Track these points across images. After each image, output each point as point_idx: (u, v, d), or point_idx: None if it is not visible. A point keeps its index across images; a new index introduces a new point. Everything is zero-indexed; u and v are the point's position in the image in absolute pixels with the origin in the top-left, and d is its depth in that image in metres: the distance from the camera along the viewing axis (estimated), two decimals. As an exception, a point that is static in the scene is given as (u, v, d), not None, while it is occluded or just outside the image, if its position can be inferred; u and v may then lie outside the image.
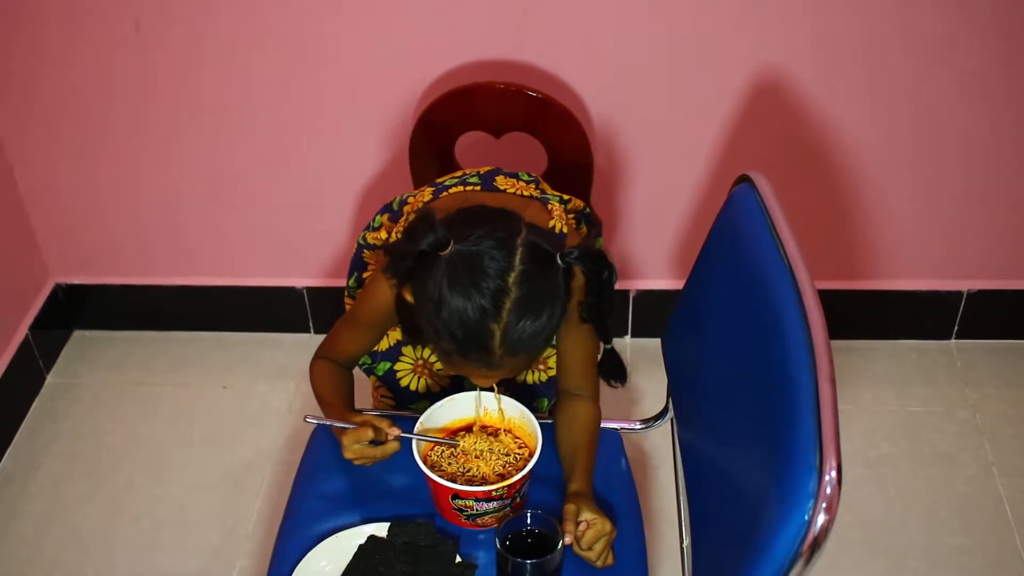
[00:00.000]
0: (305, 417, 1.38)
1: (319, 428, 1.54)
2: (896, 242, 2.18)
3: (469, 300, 1.17)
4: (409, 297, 1.27)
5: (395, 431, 1.34)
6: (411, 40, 1.91)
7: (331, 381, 1.47)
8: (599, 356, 1.50)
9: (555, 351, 1.57)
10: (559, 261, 1.23)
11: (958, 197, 2.10)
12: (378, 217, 1.59)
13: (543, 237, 1.24)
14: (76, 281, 2.37)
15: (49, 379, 2.34)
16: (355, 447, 1.34)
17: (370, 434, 1.33)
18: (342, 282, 1.66)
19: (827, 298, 1.11)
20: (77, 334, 2.45)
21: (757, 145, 2.03)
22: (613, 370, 1.52)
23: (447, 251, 1.20)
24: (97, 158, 2.13)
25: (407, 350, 1.59)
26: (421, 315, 1.24)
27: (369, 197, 2.14)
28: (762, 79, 1.93)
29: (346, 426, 1.35)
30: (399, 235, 1.42)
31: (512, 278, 1.18)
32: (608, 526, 1.29)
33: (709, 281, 1.40)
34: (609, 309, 1.34)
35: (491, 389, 1.40)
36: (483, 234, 1.20)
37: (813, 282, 1.12)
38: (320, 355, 1.51)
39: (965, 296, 2.26)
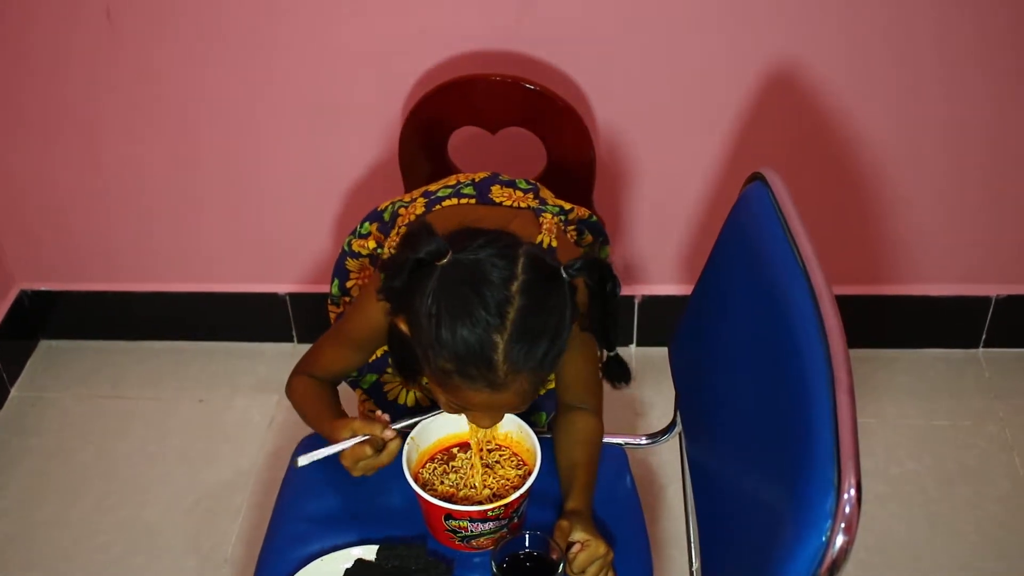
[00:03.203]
0: (296, 460, 1.35)
1: (302, 443, 1.54)
2: (919, 244, 2.18)
3: (471, 311, 1.17)
4: (404, 327, 1.27)
5: (389, 433, 1.33)
6: (401, 29, 1.92)
7: (315, 395, 1.47)
8: (602, 362, 1.50)
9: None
10: (563, 274, 1.22)
11: (985, 196, 2.11)
12: (365, 224, 1.59)
13: (542, 251, 1.25)
14: (43, 287, 2.37)
15: (13, 392, 2.34)
16: (360, 464, 1.34)
17: (368, 451, 1.33)
18: (327, 288, 1.66)
19: (845, 304, 1.11)
20: (44, 344, 2.45)
21: (771, 141, 2.03)
22: (617, 373, 1.48)
23: (445, 260, 1.19)
24: (65, 157, 2.13)
25: (395, 362, 1.59)
26: (417, 336, 1.23)
27: (356, 197, 2.14)
28: (777, 71, 1.94)
29: (341, 448, 1.34)
30: (392, 250, 1.42)
31: (515, 286, 1.18)
32: (603, 548, 1.29)
33: (719, 286, 1.41)
34: (613, 323, 1.34)
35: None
36: (483, 243, 1.20)
37: (830, 287, 1.12)
38: (299, 371, 1.51)
39: (993, 302, 2.27)
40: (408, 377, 1.51)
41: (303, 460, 1.35)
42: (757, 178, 1.32)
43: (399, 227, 1.45)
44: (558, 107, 1.75)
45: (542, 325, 1.19)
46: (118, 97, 2.03)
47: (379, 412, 1.36)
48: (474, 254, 1.19)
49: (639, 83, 1.97)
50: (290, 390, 1.50)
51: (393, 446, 1.34)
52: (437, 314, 1.18)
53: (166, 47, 1.96)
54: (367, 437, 1.33)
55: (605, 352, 1.45)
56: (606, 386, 1.49)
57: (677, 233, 2.18)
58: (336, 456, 1.36)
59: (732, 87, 1.97)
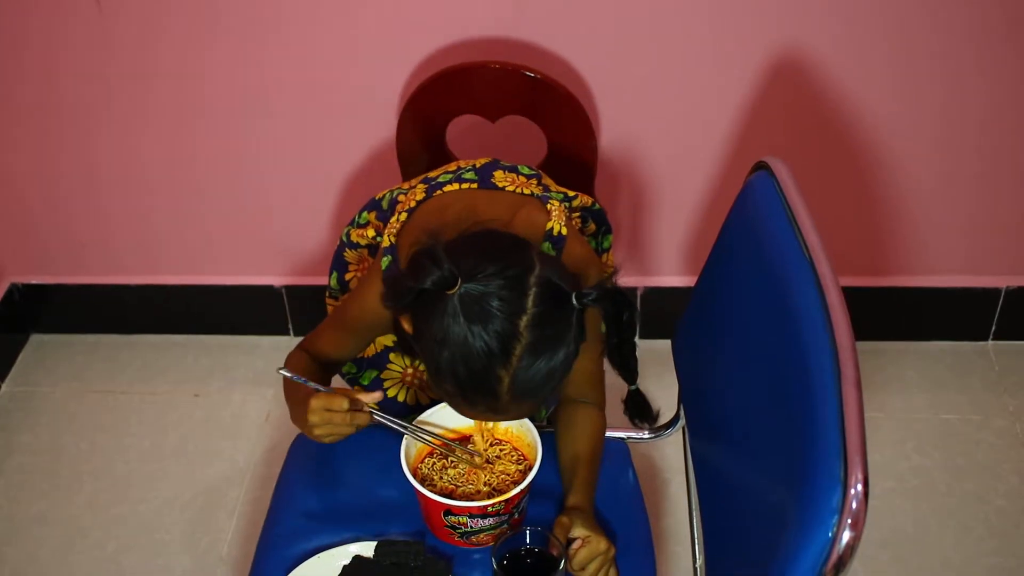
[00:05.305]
0: (278, 369, 1.37)
1: (299, 439, 1.54)
2: (927, 235, 2.18)
3: (476, 344, 1.17)
4: (408, 327, 1.27)
5: (373, 398, 1.34)
6: (397, 16, 1.91)
7: (305, 369, 1.47)
8: (624, 395, 1.53)
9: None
10: (575, 302, 1.22)
11: (994, 185, 2.11)
12: (364, 214, 1.59)
13: (557, 270, 1.23)
14: (34, 280, 2.37)
15: (4, 387, 2.34)
16: (322, 411, 1.32)
17: (345, 404, 1.32)
18: (324, 280, 1.66)
19: (852, 296, 1.11)
20: (35, 338, 2.45)
21: (776, 130, 2.03)
22: (640, 411, 1.53)
23: (454, 290, 1.18)
24: (57, 147, 2.13)
25: (395, 358, 1.59)
26: (421, 352, 1.24)
27: (353, 187, 2.14)
28: (782, 58, 1.94)
29: (320, 388, 1.34)
30: (391, 238, 1.42)
31: (524, 322, 1.17)
32: (603, 545, 1.29)
33: (723, 278, 1.41)
34: (631, 350, 1.35)
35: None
36: (493, 272, 1.19)
37: (837, 278, 1.12)
38: (301, 347, 1.52)
39: (1003, 293, 2.27)
40: (414, 354, 1.53)
41: (284, 371, 1.37)
42: (762, 167, 1.32)
43: (399, 213, 1.44)
44: (559, 95, 1.75)
45: (549, 357, 1.19)
46: (112, 88, 2.03)
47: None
48: (484, 285, 1.18)
49: (641, 70, 1.96)
50: (286, 361, 1.50)
51: (360, 418, 1.33)
52: (442, 342, 1.18)
53: (160, 35, 1.96)
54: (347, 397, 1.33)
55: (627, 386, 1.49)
56: (609, 382, 1.50)
57: (680, 223, 2.18)
58: (332, 452, 1.36)
59: (736, 75, 1.97)
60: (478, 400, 1.21)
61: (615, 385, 1.50)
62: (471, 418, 1.33)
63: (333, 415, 1.32)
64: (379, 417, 1.35)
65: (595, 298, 1.22)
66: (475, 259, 1.20)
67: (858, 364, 1.03)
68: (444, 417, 1.43)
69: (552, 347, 1.19)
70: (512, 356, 1.17)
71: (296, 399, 1.40)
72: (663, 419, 1.64)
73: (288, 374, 1.37)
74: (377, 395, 1.36)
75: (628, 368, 1.39)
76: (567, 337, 1.21)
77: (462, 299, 1.17)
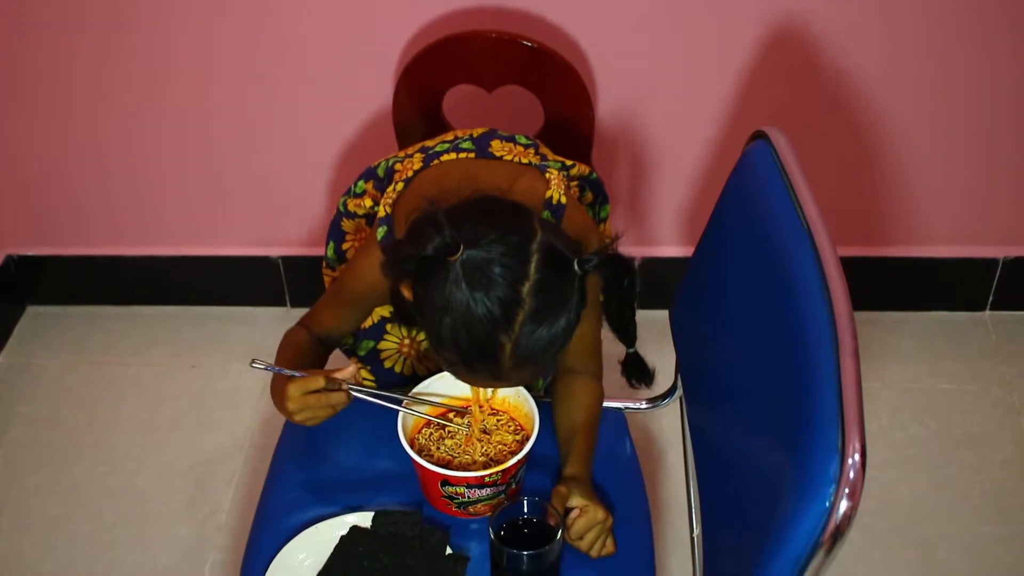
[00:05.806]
0: (252, 362, 1.36)
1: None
2: (925, 205, 2.17)
3: (479, 311, 1.16)
4: (408, 294, 1.27)
5: (348, 374, 1.35)
6: (394, -15, 1.90)
7: (298, 346, 1.47)
8: (622, 357, 1.52)
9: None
10: (576, 268, 1.22)
11: (992, 155, 2.10)
12: (360, 183, 1.58)
13: (559, 237, 1.23)
14: (30, 252, 2.37)
15: (1, 359, 2.34)
16: (299, 396, 1.33)
17: (321, 382, 1.32)
18: (321, 250, 1.66)
19: (850, 266, 1.11)
20: (32, 310, 2.45)
21: (774, 99, 2.02)
22: (637, 373, 1.53)
23: (456, 257, 1.18)
24: (55, 118, 2.12)
25: (392, 328, 1.59)
26: (422, 319, 1.24)
27: (349, 158, 2.13)
28: (780, 28, 1.92)
29: (295, 374, 1.35)
30: (387, 208, 1.42)
31: (526, 288, 1.17)
32: (601, 514, 1.29)
33: (721, 247, 1.40)
34: (631, 315, 1.35)
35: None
36: (495, 238, 1.18)
37: (835, 248, 1.12)
38: (299, 323, 1.52)
39: (1001, 264, 2.27)
40: (410, 324, 1.54)
41: (258, 363, 1.36)
42: (760, 137, 1.31)
43: (395, 182, 1.44)
44: (556, 65, 1.74)
45: (551, 323, 1.19)
46: (113, 56, 2.02)
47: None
48: (486, 251, 1.17)
49: (639, 40, 1.95)
50: (283, 338, 1.50)
51: (336, 398, 1.33)
52: (444, 309, 1.18)
53: (159, 8, 1.94)
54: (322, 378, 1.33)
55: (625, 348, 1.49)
56: (605, 349, 1.49)
57: (678, 193, 2.18)
58: (329, 424, 1.37)
59: (734, 45, 1.95)
60: (480, 367, 1.21)
61: (612, 355, 1.50)
62: (472, 385, 1.32)
63: (308, 398, 1.33)
64: (357, 393, 1.35)
65: (597, 264, 1.22)
66: (476, 225, 1.20)
67: (856, 334, 1.03)
68: (443, 386, 1.43)
69: (554, 313, 1.19)
70: (514, 322, 1.17)
71: (275, 385, 1.40)
72: (660, 389, 1.64)
73: (260, 366, 1.36)
74: (351, 369, 1.35)
75: (627, 333, 1.39)
76: (569, 303, 1.21)
77: (464, 265, 1.17)
